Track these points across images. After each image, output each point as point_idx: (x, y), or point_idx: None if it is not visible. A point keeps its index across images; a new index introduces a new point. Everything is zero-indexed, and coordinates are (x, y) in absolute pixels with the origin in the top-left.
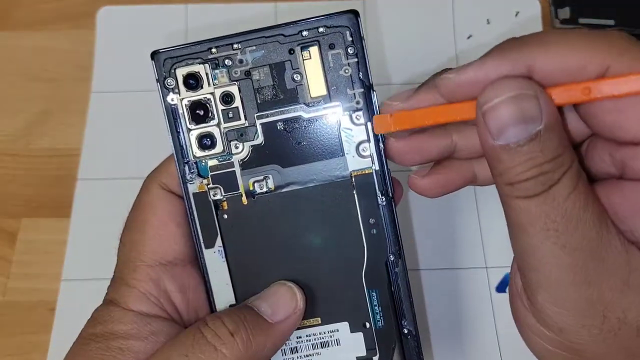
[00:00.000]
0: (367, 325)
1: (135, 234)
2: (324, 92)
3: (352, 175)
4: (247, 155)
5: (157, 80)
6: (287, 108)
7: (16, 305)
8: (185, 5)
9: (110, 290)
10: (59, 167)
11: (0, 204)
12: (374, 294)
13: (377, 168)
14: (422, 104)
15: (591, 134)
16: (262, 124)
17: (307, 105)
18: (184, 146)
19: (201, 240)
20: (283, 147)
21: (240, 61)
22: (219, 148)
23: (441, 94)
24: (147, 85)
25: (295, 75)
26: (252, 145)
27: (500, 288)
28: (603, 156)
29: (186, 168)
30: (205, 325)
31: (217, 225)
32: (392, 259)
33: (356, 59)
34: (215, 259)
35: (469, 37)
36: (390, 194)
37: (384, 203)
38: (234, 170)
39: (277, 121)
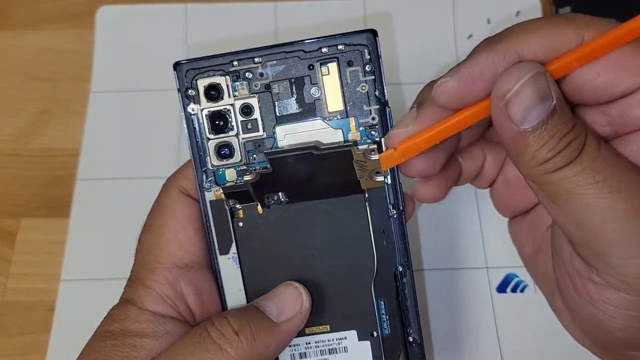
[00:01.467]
0: (375, 333)
1: (153, 236)
2: (341, 107)
3: (365, 188)
4: (256, 179)
5: (179, 90)
6: (305, 122)
7: (15, 305)
8: (184, 5)
9: (127, 290)
10: (58, 167)
11: (0, 204)
12: (382, 303)
13: (389, 182)
14: (427, 124)
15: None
16: (274, 159)
17: (324, 119)
18: (203, 155)
19: (216, 247)
20: (294, 180)
21: (261, 74)
22: (236, 158)
23: (440, 104)
24: (146, 85)
25: (313, 90)
26: (261, 174)
27: (501, 288)
28: (596, 119)
29: (204, 176)
30: (211, 324)
31: (232, 232)
32: (400, 269)
33: (373, 77)
34: (229, 265)
35: (469, 37)
36: (401, 207)
37: (394, 215)
38: (247, 190)
39: (288, 157)
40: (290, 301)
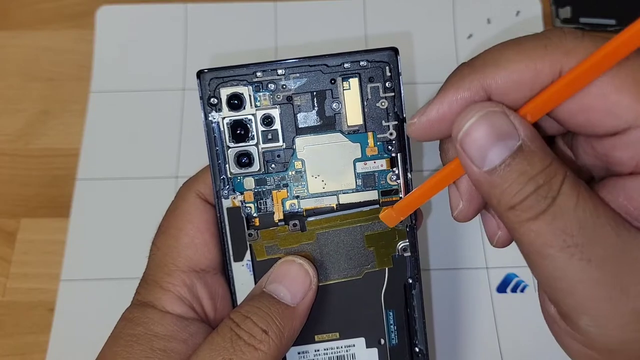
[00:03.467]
0: (382, 342)
1: (170, 240)
2: (360, 121)
3: (380, 201)
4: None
5: (201, 98)
6: (324, 134)
7: (15, 305)
8: (184, 5)
9: (142, 292)
10: (58, 167)
11: (0, 204)
12: (391, 314)
13: (402, 196)
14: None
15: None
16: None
17: (344, 132)
18: (222, 162)
19: (231, 253)
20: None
21: (284, 86)
22: (255, 167)
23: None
24: (146, 85)
25: (334, 104)
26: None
27: (501, 288)
28: (587, 149)
29: (222, 184)
30: (238, 327)
31: (247, 240)
32: (410, 282)
33: (393, 94)
34: (243, 272)
35: (469, 37)
36: (413, 221)
37: (407, 229)
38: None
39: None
40: (299, 281)
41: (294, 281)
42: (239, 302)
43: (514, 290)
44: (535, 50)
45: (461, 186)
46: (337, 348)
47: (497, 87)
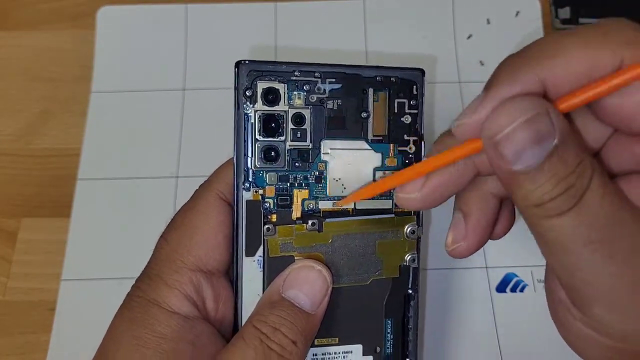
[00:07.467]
0: (378, 350)
1: (183, 236)
2: (384, 132)
3: (394, 211)
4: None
5: (236, 88)
6: (350, 140)
7: (16, 305)
8: (185, 5)
9: (144, 287)
10: (59, 167)
11: (0, 204)
12: (389, 322)
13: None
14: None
15: (608, 137)
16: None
17: (368, 141)
18: (247, 155)
19: (243, 247)
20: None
21: (318, 89)
22: (280, 163)
23: (459, 140)
24: (147, 85)
25: (363, 113)
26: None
27: (500, 288)
28: (622, 153)
29: (243, 176)
30: (269, 339)
31: (262, 235)
32: (410, 292)
33: (416, 111)
34: (252, 268)
35: (469, 37)
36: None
37: (417, 240)
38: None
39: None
40: (318, 287)
41: (313, 288)
42: (244, 299)
43: (513, 289)
44: (595, 38)
45: (471, 220)
46: (335, 354)
47: (556, 79)
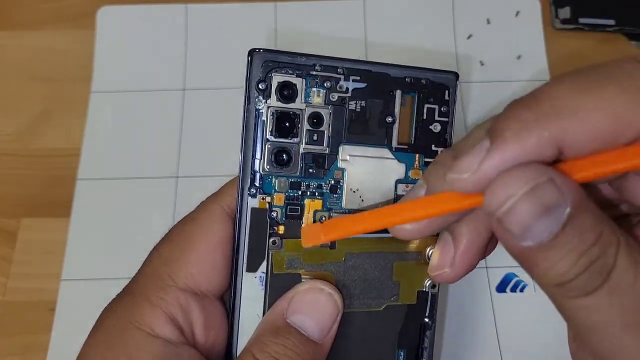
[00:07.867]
0: None
1: (176, 250)
2: (410, 141)
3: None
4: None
5: (247, 80)
6: (372, 147)
7: (16, 305)
8: (185, 5)
9: (125, 304)
10: (58, 167)
11: (0, 204)
12: (402, 354)
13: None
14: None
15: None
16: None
17: (392, 149)
18: (256, 156)
19: (244, 261)
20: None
21: (340, 87)
22: (293, 168)
23: (455, 190)
24: (146, 85)
25: (388, 118)
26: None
27: (500, 288)
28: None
29: (250, 179)
30: None
31: (267, 248)
32: (427, 321)
33: (447, 119)
34: (253, 285)
35: (469, 37)
36: None
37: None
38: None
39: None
40: (327, 313)
41: (322, 314)
42: (242, 320)
43: (513, 289)
44: (624, 95)
45: (460, 245)
46: None
47: (574, 142)
